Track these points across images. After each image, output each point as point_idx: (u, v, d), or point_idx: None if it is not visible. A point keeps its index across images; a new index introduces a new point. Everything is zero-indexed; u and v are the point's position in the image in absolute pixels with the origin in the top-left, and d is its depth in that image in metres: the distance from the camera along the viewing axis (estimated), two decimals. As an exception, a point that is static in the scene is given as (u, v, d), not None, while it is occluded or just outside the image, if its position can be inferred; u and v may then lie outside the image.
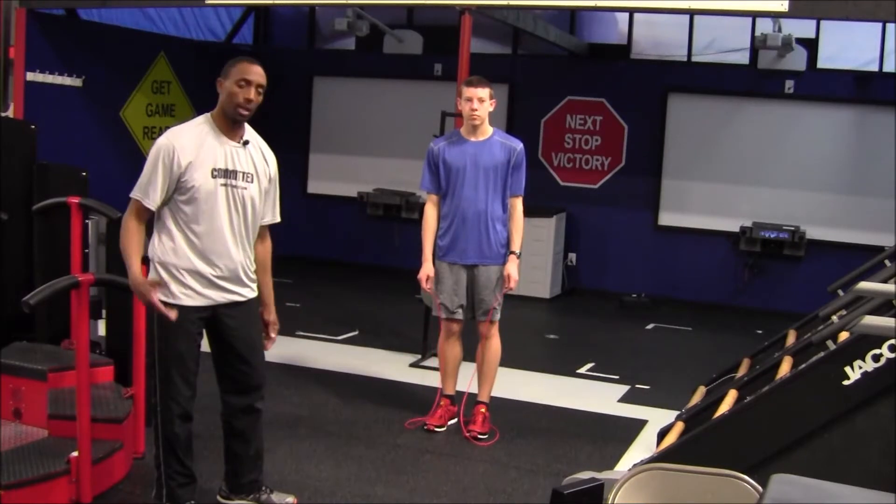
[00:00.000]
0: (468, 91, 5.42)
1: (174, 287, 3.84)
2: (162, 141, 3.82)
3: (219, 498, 4.25)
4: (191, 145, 3.82)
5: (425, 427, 5.61)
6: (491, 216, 5.49)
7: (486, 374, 5.68)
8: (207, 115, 3.99)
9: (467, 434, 5.50)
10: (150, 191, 3.77)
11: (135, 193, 3.81)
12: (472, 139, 5.52)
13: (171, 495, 3.99)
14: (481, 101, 5.41)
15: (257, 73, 3.88)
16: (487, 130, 5.53)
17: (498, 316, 5.60)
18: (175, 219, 3.83)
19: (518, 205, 5.57)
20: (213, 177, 3.83)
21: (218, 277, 3.88)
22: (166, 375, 3.92)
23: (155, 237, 3.89)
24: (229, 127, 3.93)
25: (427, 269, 5.54)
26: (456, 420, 5.73)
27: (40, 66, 8.73)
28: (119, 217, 5.21)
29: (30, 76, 8.59)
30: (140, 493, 4.49)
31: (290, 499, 4.31)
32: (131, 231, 3.79)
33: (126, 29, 9.95)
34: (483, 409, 5.66)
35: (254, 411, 4.18)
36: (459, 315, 5.62)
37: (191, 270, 3.84)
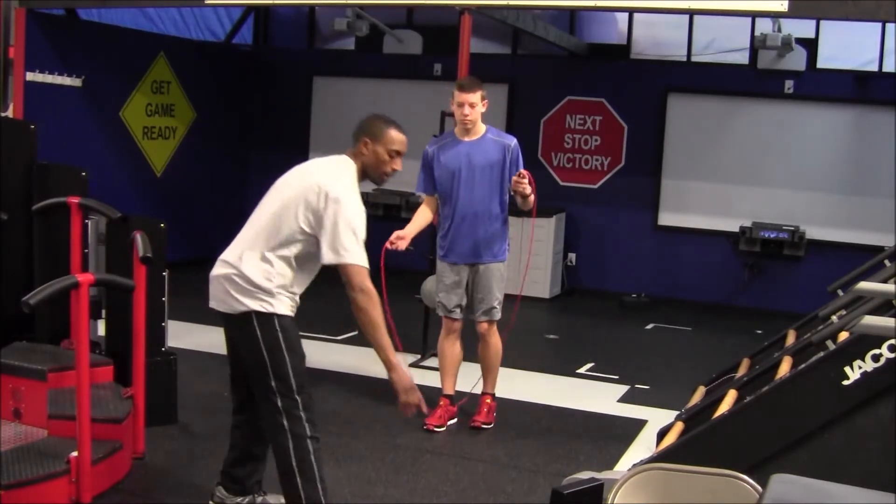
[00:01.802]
0: (460, 96, 5.45)
1: (293, 308, 3.86)
2: (361, 206, 3.81)
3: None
4: None
5: (424, 427, 5.62)
6: (489, 215, 5.52)
7: (489, 369, 5.75)
8: (352, 164, 3.96)
9: (472, 424, 5.55)
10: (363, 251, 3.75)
11: (358, 260, 3.71)
12: (466, 139, 5.55)
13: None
14: (472, 106, 5.44)
15: (406, 144, 4.01)
16: (480, 129, 5.56)
17: (498, 315, 5.62)
18: (306, 254, 3.82)
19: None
20: None
21: None
22: (303, 388, 3.83)
23: (274, 267, 3.78)
24: (360, 180, 3.98)
25: (401, 231, 5.51)
26: (455, 420, 5.74)
27: (40, 66, 8.73)
28: (119, 217, 5.23)
29: (29, 76, 8.59)
30: (140, 492, 4.50)
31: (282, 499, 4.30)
32: (378, 302, 3.77)
33: (126, 29, 9.95)
34: (489, 400, 5.74)
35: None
36: (457, 315, 5.64)
37: (298, 294, 3.90)
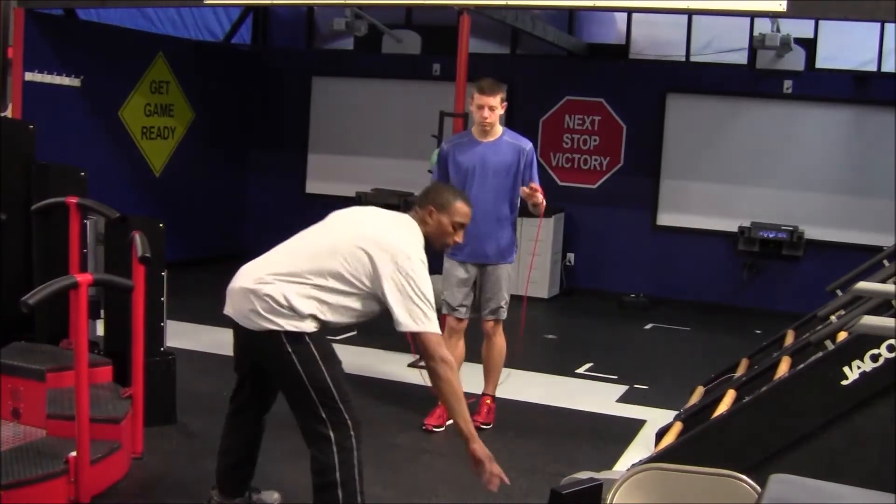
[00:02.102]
0: (480, 99, 5.50)
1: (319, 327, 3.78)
2: (426, 270, 3.77)
3: None
4: None
5: (423, 427, 5.62)
6: (499, 216, 5.58)
7: (491, 369, 5.77)
8: (420, 230, 3.94)
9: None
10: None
11: (436, 328, 3.68)
12: (482, 140, 5.62)
13: None
14: (492, 110, 5.51)
15: (469, 216, 4.07)
16: (497, 131, 5.64)
17: (504, 315, 5.67)
18: (360, 306, 3.77)
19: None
20: None
21: None
22: (346, 396, 3.76)
23: (321, 303, 3.69)
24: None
25: None
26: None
27: (39, 66, 8.72)
28: (118, 217, 5.22)
29: (28, 76, 8.58)
30: (139, 493, 4.49)
31: (276, 495, 4.30)
32: (457, 371, 3.78)
33: (124, 29, 9.95)
34: (488, 401, 5.77)
35: None
36: (461, 314, 5.65)
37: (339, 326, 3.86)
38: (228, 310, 3.81)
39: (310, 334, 3.69)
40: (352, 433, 3.72)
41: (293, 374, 3.68)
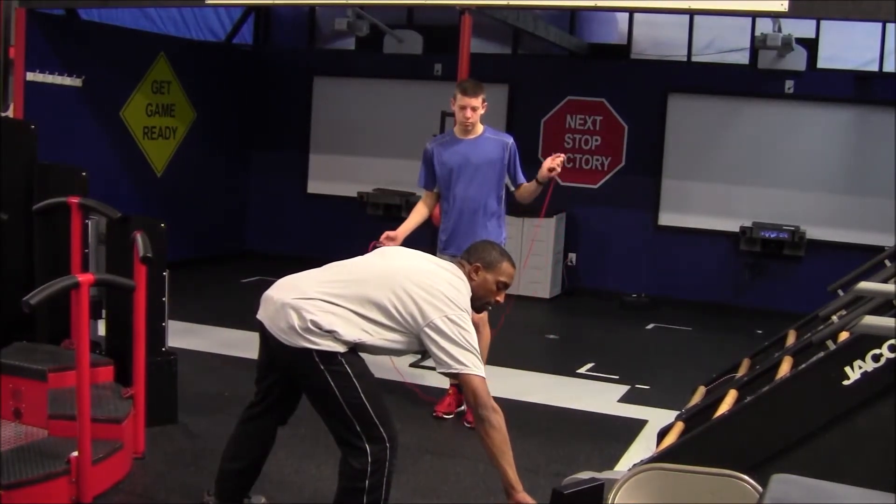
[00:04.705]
0: (462, 99, 5.68)
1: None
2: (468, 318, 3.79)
3: None
4: None
5: (434, 414, 5.71)
6: (485, 211, 5.73)
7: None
8: (467, 282, 3.93)
9: (467, 424, 5.59)
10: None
11: (480, 369, 3.69)
12: (465, 138, 5.79)
13: None
14: (474, 110, 5.68)
15: (513, 277, 4.10)
16: (479, 129, 5.80)
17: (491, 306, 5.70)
18: (390, 331, 3.73)
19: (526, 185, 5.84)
20: None
21: None
22: (382, 410, 3.73)
23: (355, 325, 3.66)
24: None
25: (392, 232, 5.61)
26: (464, 407, 5.79)
27: (40, 66, 8.73)
28: (119, 217, 5.23)
29: (30, 76, 8.59)
30: (140, 492, 4.50)
31: (263, 499, 4.28)
32: (504, 424, 3.79)
33: (126, 29, 9.95)
34: None
35: None
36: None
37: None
38: (262, 316, 3.78)
39: (342, 353, 3.67)
40: (387, 445, 3.69)
41: (327, 391, 3.66)
